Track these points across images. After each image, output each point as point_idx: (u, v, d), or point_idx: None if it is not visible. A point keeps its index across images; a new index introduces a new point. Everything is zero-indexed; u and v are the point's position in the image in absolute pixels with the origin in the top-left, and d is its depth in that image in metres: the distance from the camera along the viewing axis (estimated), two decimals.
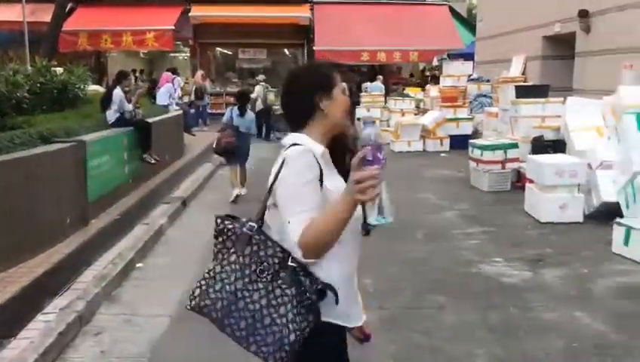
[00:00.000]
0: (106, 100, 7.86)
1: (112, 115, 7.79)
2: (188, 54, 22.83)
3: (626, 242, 5.35)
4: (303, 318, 1.65)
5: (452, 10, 22.36)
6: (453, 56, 18.66)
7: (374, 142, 1.53)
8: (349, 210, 1.58)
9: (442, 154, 12.23)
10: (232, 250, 1.73)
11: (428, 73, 22.07)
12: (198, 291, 1.79)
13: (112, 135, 7.48)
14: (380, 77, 18.92)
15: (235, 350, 1.82)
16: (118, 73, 8.27)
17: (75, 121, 7.13)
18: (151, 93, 14.09)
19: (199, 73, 16.78)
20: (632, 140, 6.42)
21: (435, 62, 19.89)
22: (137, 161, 8.17)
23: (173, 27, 18.77)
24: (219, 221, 1.79)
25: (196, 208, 7.74)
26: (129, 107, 7.96)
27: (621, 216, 6.40)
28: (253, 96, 15.49)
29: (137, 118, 8.27)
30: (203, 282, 1.78)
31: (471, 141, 9.08)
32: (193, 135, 13.38)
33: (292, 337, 1.64)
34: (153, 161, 8.37)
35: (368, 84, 18.42)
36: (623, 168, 6.50)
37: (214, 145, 8.19)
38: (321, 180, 1.70)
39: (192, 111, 15.95)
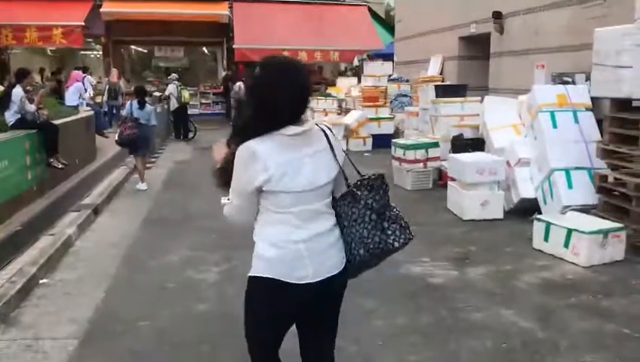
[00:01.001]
0: (4, 100, 7.18)
1: (11, 116, 7.14)
2: (100, 52, 21.73)
3: (546, 238, 5.47)
4: None
5: (371, 10, 22.63)
6: (372, 56, 18.86)
7: None
8: None
9: (365, 154, 12.25)
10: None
11: (349, 73, 22.18)
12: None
13: (11, 138, 6.84)
14: None
15: None
16: (17, 71, 7.61)
17: None
18: (58, 93, 13.18)
19: (114, 72, 15.91)
20: (548, 138, 6.62)
21: (355, 62, 20.02)
22: (43, 166, 7.54)
23: (82, 23, 17.67)
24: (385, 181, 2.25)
25: (109, 216, 7.22)
26: (31, 108, 7.32)
27: (539, 211, 6.59)
28: (166, 94, 14.93)
29: (41, 119, 7.63)
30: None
31: (393, 140, 9.12)
32: (106, 137, 12.62)
33: None
34: (61, 166, 7.76)
35: None
36: (539, 165, 6.70)
37: (117, 137, 8.61)
38: None
39: (105, 111, 15.10)
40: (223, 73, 20.88)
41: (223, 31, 20.06)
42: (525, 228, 6.37)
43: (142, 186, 8.58)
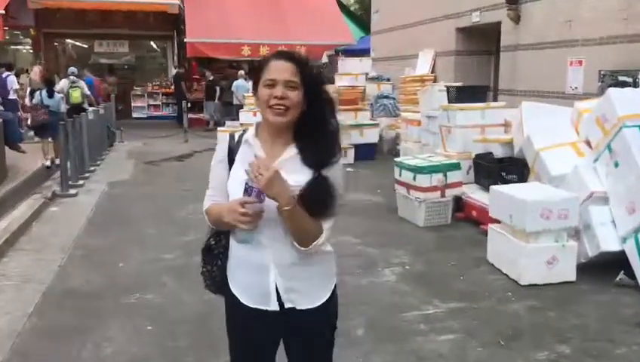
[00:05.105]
0: None
1: None
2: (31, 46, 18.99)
3: None
4: None
5: (339, 2, 20.51)
6: (339, 52, 16.87)
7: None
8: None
9: (348, 169, 10.02)
10: None
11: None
12: None
13: None
14: (242, 71, 16.47)
15: None
16: None
17: None
18: None
19: (36, 69, 13.24)
20: None
21: (324, 59, 17.87)
22: None
23: (2, 11, 14.97)
24: None
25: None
26: None
27: (627, 269, 4.60)
28: (56, 89, 11.61)
29: None
30: None
31: (397, 160, 6.92)
32: (22, 151, 10.01)
33: None
34: None
35: (237, 82, 16.02)
36: (627, 204, 4.66)
37: (29, 122, 10.18)
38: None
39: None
40: (173, 71, 18.39)
41: (173, 23, 17.82)
42: (617, 300, 4.37)
43: (47, 163, 9.72)
